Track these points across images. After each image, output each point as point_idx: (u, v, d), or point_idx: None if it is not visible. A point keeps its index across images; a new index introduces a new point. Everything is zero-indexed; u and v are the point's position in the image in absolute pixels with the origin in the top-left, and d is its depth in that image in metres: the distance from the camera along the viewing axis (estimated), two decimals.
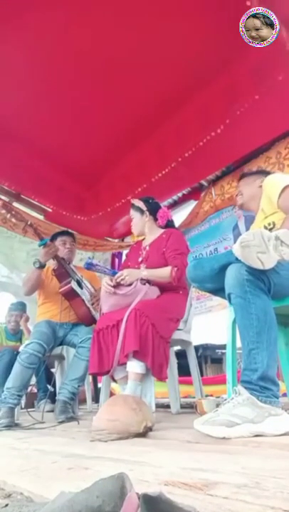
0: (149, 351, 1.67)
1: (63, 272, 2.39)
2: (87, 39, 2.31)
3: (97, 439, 1.21)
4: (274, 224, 1.56)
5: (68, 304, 2.37)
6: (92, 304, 2.43)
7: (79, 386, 2.18)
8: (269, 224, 1.58)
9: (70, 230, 2.91)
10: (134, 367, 1.68)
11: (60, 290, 2.35)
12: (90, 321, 2.38)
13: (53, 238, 2.62)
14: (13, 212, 2.48)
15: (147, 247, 2.17)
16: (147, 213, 2.18)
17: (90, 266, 2.21)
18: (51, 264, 2.47)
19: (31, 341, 2.13)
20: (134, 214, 2.20)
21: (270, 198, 1.59)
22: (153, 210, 2.20)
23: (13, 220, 2.66)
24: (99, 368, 1.79)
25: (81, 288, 2.44)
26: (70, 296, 2.34)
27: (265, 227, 1.57)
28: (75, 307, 2.36)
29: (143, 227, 2.20)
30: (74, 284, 2.35)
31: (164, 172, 3.26)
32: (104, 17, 2.17)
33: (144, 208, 2.18)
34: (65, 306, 2.37)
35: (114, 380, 1.94)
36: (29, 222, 2.41)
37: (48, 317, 2.40)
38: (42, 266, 2.33)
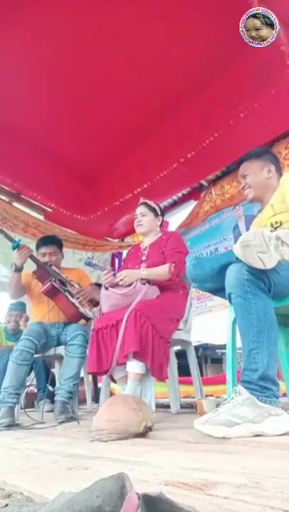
0: (149, 351, 1.67)
1: (43, 272, 2.40)
2: (88, 39, 2.31)
3: (97, 439, 1.21)
4: (281, 223, 1.55)
5: (55, 304, 2.38)
6: (78, 299, 2.43)
7: (74, 384, 2.18)
8: (276, 222, 1.56)
9: (55, 237, 2.74)
10: (134, 367, 1.68)
11: (41, 290, 2.36)
12: (77, 317, 2.40)
13: (37, 248, 2.60)
14: None
15: (148, 248, 2.20)
16: (160, 217, 2.29)
17: (90, 264, 2.27)
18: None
19: (22, 338, 2.16)
20: (146, 212, 2.25)
21: (284, 196, 1.57)
22: (162, 215, 2.35)
23: None
24: (98, 368, 1.79)
25: (65, 286, 2.44)
26: (52, 293, 2.35)
27: (272, 225, 1.56)
28: (60, 305, 2.37)
29: (152, 228, 2.25)
30: (55, 282, 2.36)
31: (164, 172, 3.26)
32: (106, 18, 2.17)
33: (159, 212, 2.30)
34: (51, 305, 2.38)
35: (113, 380, 1.94)
36: None
37: (38, 319, 2.42)
38: (18, 269, 2.34)
